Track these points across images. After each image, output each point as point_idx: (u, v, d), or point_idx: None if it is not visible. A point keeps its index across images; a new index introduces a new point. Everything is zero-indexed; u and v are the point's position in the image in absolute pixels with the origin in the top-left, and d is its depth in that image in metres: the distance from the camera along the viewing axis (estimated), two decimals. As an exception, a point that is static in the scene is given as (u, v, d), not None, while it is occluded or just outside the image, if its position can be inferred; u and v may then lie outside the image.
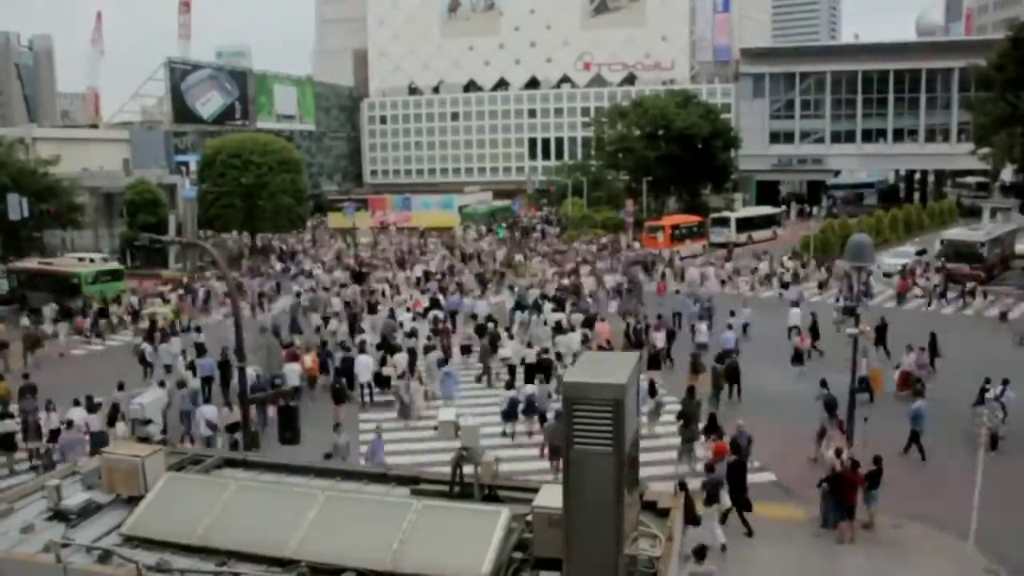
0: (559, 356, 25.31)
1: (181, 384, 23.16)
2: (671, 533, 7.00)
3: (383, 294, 38.63)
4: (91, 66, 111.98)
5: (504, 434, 21.19)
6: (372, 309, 33.94)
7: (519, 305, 33.13)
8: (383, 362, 25.32)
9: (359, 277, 43.38)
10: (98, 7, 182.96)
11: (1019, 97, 46.01)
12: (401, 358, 25.13)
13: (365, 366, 24.68)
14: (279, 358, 25.86)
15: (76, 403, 20.56)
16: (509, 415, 21.32)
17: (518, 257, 50.38)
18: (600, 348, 25.98)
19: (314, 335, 30.58)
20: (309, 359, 25.85)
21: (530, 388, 22.16)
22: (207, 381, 24.69)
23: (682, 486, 14.00)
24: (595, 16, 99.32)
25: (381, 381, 24.82)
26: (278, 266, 52.28)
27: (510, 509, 6.85)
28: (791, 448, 19.40)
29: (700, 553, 11.92)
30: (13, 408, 22.28)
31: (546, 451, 19.19)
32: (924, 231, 58.90)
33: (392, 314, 31.87)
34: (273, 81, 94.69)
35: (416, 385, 23.72)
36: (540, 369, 24.06)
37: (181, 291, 42.06)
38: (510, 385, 22.74)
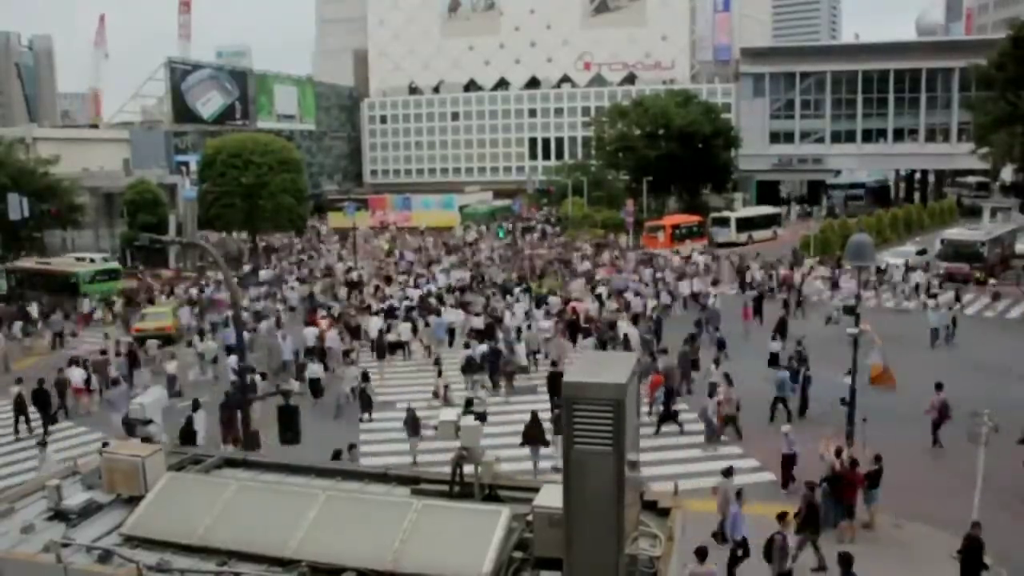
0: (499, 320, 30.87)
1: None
2: (671, 533, 7.00)
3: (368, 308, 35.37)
4: (94, 68, 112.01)
5: (466, 386, 24.89)
6: (354, 333, 31.53)
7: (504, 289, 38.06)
8: (389, 329, 30.29)
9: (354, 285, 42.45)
10: (98, 7, 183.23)
11: (1019, 96, 46.01)
12: (406, 327, 30.52)
13: (374, 326, 30.12)
14: (279, 358, 26.36)
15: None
16: (467, 369, 25.35)
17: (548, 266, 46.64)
18: (570, 323, 29.82)
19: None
20: (325, 322, 30.85)
21: (483, 347, 26.50)
22: (229, 349, 27.12)
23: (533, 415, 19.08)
24: (595, 16, 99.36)
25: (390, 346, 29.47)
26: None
27: (510, 509, 6.85)
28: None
29: (701, 553, 11.94)
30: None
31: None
32: (924, 231, 58.93)
33: (402, 289, 39.24)
34: (273, 81, 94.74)
35: (418, 344, 29.82)
36: (486, 332, 28.90)
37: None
38: (467, 345, 27.02)
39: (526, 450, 18.96)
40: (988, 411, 14.81)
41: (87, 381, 25.40)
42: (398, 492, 7.91)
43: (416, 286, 39.79)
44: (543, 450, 18.90)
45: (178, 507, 7.26)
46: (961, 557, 13.17)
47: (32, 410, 23.42)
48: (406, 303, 35.31)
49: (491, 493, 7.68)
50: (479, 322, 30.65)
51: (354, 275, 45.17)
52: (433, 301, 35.34)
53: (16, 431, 23.08)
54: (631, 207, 59.98)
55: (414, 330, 30.71)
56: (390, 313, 33.00)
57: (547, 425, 19.48)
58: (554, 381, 22.43)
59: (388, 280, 43.52)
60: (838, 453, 16.03)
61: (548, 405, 21.75)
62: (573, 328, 29.33)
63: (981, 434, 14.60)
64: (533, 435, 18.80)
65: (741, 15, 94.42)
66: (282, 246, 65.36)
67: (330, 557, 6.49)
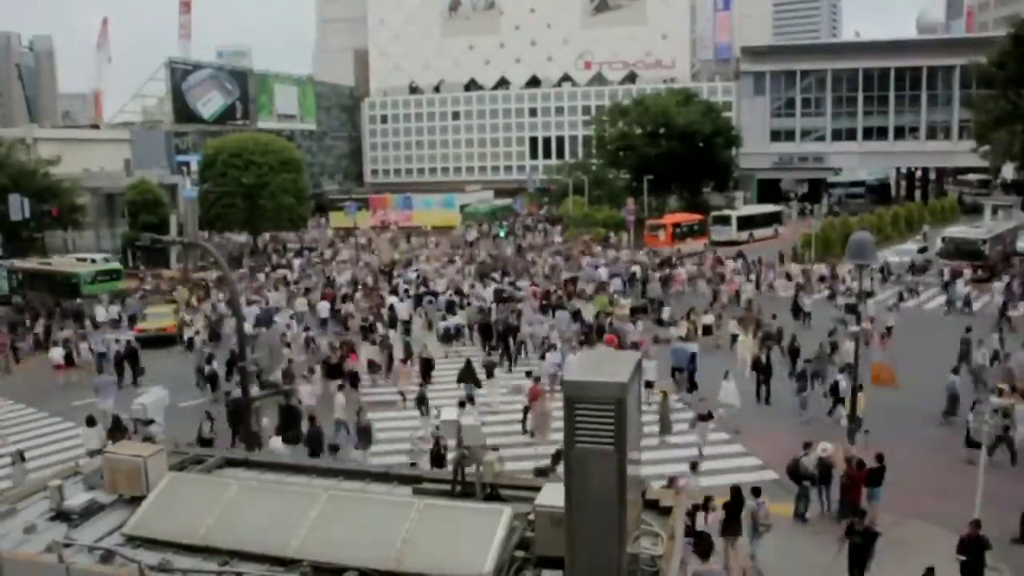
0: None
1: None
2: (673, 531, 7.00)
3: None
4: (95, 69, 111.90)
5: (447, 356, 29.09)
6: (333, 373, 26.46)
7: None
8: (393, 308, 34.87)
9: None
10: (99, 8, 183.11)
11: (1020, 95, 45.88)
12: (402, 306, 34.83)
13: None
14: (279, 357, 26.32)
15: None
16: (446, 338, 31.23)
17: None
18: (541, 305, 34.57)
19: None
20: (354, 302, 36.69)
21: (454, 320, 32.43)
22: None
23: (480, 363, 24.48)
24: (595, 15, 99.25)
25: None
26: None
27: (512, 508, 6.85)
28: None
29: (704, 552, 11.93)
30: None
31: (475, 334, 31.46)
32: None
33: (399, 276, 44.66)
34: (274, 81, 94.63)
35: (416, 318, 34.39)
36: (451, 307, 34.54)
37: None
38: (444, 318, 32.79)
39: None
40: (990, 410, 14.80)
41: (66, 358, 28.70)
42: (400, 492, 7.91)
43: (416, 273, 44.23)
44: (477, 390, 23.24)
45: (180, 507, 7.27)
46: (962, 557, 13.15)
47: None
48: (405, 287, 40.02)
49: (493, 492, 7.68)
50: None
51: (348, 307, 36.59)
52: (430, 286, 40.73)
53: (119, 383, 26.75)
54: (632, 206, 59.91)
55: (415, 306, 35.58)
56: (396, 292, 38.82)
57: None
58: (484, 329, 30.89)
59: (376, 320, 33.29)
60: (806, 446, 16.29)
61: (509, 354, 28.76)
62: (544, 306, 34.60)
63: (984, 432, 14.59)
64: (466, 377, 23.57)
65: (741, 14, 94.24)
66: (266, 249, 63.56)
67: (332, 557, 6.49)
